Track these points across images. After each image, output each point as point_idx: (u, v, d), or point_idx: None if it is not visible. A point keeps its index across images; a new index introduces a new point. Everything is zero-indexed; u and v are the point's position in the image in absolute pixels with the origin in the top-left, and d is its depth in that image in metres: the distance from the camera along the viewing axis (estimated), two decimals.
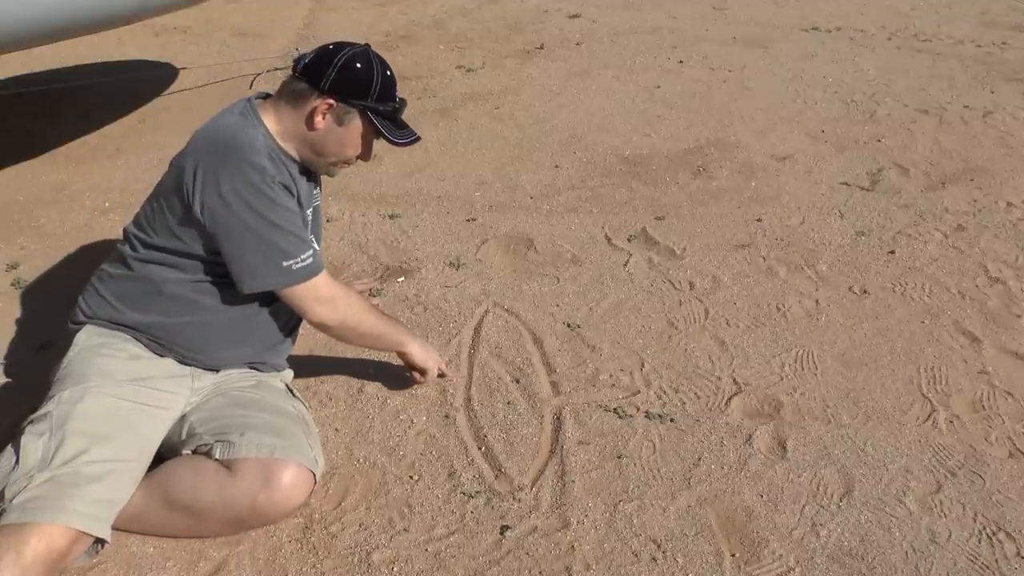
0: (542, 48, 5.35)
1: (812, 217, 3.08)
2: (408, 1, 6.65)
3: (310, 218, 1.88)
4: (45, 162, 3.57)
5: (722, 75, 4.78)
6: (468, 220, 3.04)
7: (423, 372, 2.03)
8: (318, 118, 1.72)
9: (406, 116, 1.86)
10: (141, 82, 4.55)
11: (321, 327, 1.85)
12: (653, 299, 2.54)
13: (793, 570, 1.61)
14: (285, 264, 1.69)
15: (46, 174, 3.45)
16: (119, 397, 1.64)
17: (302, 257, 1.71)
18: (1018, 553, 1.66)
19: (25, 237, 2.91)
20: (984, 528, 1.71)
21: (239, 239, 1.66)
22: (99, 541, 1.52)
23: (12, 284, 2.60)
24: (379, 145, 1.84)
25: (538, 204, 3.18)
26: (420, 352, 2.00)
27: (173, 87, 4.52)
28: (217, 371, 1.81)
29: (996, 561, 1.64)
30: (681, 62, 5.03)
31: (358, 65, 1.71)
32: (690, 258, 2.78)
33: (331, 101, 1.71)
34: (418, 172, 3.45)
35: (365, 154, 1.84)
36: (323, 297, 1.77)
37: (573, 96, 4.42)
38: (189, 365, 1.78)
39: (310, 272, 1.73)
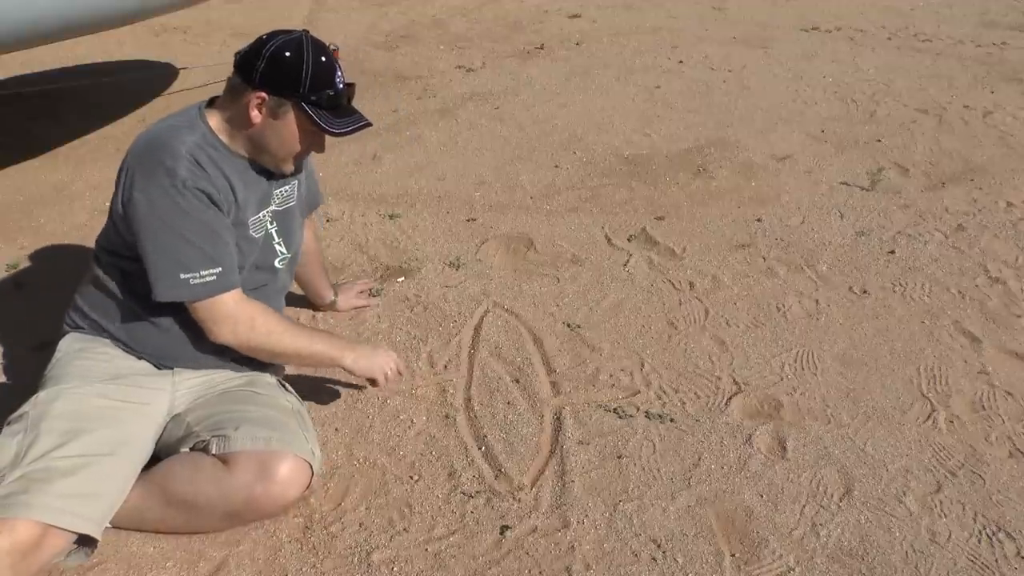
0: (542, 48, 5.35)
1: (812, 217, 3.08)
2: (408, 1, 6.65)
3: (269, 220, 1.84)
4: (45, 162, 3.58)
5: (722, 75, 4.78)
6: (468, 220, 3.04)
7: (372, 383, 1.89)
8: (253, 112, 1.66)
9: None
10: (141, 82, 4.55)
11: (228, 347, 1.75)
12: (653, 299, 2.54)
13: (793, 570, 1.61)
14: (183, 277, 1.62)
15: (46, 174, 3.45)
16: (97, 395, 1.64)
17: (203, 273, 1.63)
18: (1018, 553, 1.66)
19: (25, 237, 2.91)
20: (984, 528, 1.71)
21: (144, 244, 1.62)
22: (91, 540, 1.52)
23: (12, 284, 2.60)
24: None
25: (538, 204, 3.18)
26: (361, 364, 1.84)
27: (173, 87, 4.52)
28: (197, 368, 1.80)
29: (996, 561, 1.63)
30: (681, 62, 5.03)
31: (287, 55, 1.64)
32: (690, 258, 2.78)
33: (263, 95, 1.65)
34: (418, 172, 3.45)
35: (314, 146, 1.76)
36: (219, 317, 1.67)
37: (573, 96, 4.42)
38: (165, 368, 1.78)
39: (211, 290, 1.64)
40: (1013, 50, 5.32)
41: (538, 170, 3.49)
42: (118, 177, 1.67)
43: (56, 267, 2.71)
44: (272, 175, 1.81)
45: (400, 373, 1.94)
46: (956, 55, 5.21)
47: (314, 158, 1.99)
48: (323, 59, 1.67)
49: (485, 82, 4.66)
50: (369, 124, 1.76)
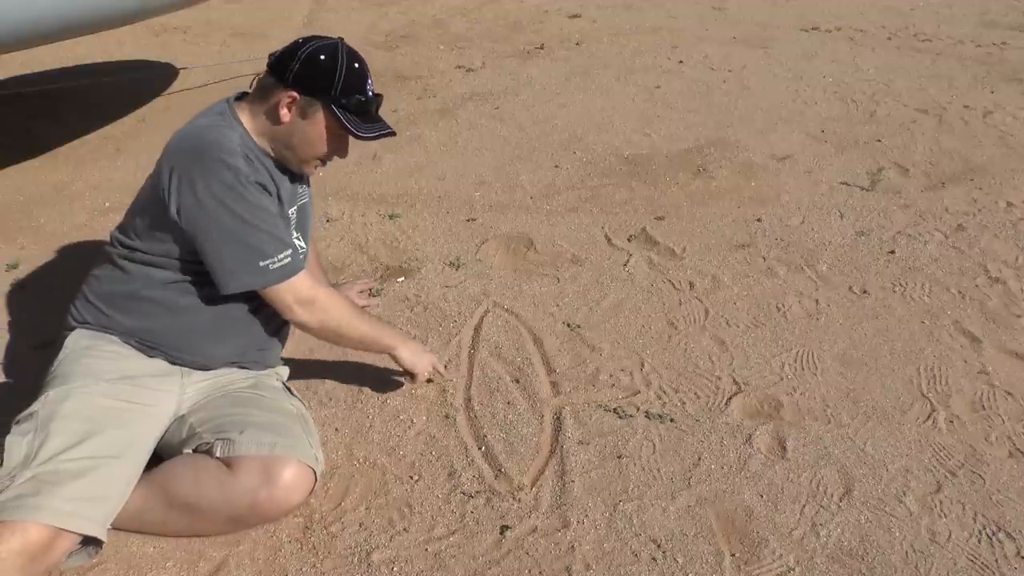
0: (542, 48, 5.35)
1: (812, 217, 3.08)
2: (408, 1, 6.65)
3: (294, 217, 1.88)
4: (45, 162, 3.58)
5: (722, 75, 4.78)
6: (468, 220, 3.04)
7: (411, 377, 2.01)
8: (283, 111, 1.70)
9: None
10: (141, 82, 4.55)
11: (302, 328, 1.84)
12: (653, 299, 2.54)
13: (793, 570, 1.61)
14: (262, 264, 1.68)
15: (46, 174, 3.45)
16: (105, 396, 1.64)
17: (279, 257, 1.70)
18: (1018, 553, 1.66)
19: (25, 237, 2.91)
20: (984, 528, 1.71)
21: (215, 240, 1.65)
22: (95, 541, 1.52)
23: (12, 284, 2.60)
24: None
25: (538, 204, 3.19)
26: (408, 356, 1.98)
27: (173, 87, 4.52)
28: (207, 369, 1.81)
29: (996, 561, 1.63)
30: (681, 62, 5.03)
31: (322, 57, 1.69)
32: (690, 258, 2.78)
33: (294, 94, 1.69)
34: (418, 172, 3.45)
35: (339, 150, 1.81)
36: (303, 298, 1.75)
37: (573, 96, 4.42)
38: (178, 365, 1.78)
39: (288, 272, 1.72)
40: (1013, 50, 5.32)
41: (538, 170, 3.50)
42: (166, 182, 1.66)
43: (56, 267, 2.71)
44: (293, 176, 1.85)
45: (440, 373, 2.08)
46: (956, 55, 5.21)
47: None
48: (356, 65, 1.73)
49: (485, 82, 4.66)
50: (393, 133, 1.82)
